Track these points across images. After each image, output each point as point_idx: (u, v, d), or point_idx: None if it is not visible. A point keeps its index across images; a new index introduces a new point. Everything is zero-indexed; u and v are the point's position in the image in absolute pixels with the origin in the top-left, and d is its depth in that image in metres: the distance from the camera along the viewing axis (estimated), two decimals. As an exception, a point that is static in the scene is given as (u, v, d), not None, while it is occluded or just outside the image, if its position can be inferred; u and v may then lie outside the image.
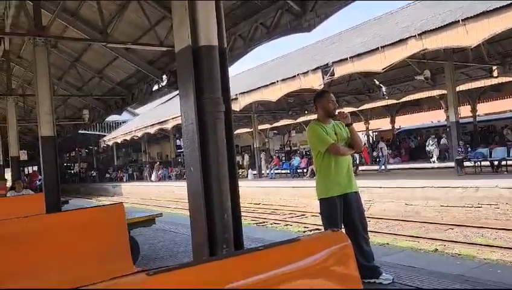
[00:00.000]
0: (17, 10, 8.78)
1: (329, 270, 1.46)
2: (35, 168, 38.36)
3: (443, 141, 21.30)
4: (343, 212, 3.74)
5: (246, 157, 27.40)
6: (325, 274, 1.44)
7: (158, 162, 33.26)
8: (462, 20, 10.22)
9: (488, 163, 14.04)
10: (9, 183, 13.55)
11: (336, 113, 3.91)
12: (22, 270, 3.12)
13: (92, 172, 40.01)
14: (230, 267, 1.33)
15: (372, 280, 3.64)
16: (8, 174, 17.06)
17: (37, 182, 20.58)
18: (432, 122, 29.61)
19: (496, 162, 13.79)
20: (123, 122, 36.55)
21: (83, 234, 3.50)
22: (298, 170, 21.55)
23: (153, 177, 30.13)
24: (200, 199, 2.88)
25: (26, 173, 37.40)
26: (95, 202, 23.72)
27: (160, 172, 30.62)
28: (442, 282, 3.59)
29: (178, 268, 1.22)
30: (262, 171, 23.98)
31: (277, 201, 16.64)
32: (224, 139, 2.99)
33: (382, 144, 20.63)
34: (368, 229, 3.96)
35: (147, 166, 32.71)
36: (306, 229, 11.16)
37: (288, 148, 34.23)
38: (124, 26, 9.20)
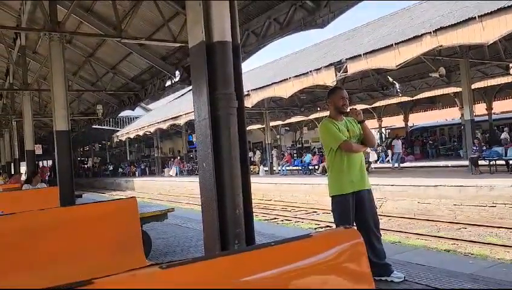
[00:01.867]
0: (33, 6, 8.91)
1: (341, 267, 1.46)
2: (50, 162, 38.93)
3: (504, 135, 19.22)
4: (355, 210, 3.72)
5: (258, 153, 27.41)
6: (336, 271, 1.45)
7: (178, 157, 32.62)
8: (478, 16, 10.04)
9: (503, 162, 13.82)
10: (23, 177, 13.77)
11: (348, 110, 3.88)
12: (36, 262, 3.18)
13: (108, 166, 40.33)
14: (242, 263, 1.34)
15: (384, 278, 3.63)
16: (22, 168, 17.37)
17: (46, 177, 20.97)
18: (446, 120, 29.23)
19: (511, 162, 13.57)
20: (136, 118, 36.86)
21: (96, 227, 3.55)
22: (310, 167, 21.50)
23: (172, 172, 29.40)
24: (212, 195, 2.90)
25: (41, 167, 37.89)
26: (108, 196, 23.99)
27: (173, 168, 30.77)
28: (453, 281, 3.56)
29: (191, 262, 1.23)
30: (274, 168, 23.96)
31: (288, 198, 16.62)
32: (236, 135, 3.00)
33: (395, 142, 20.47)
34: (380, 226, 3.94)
35: (171, 160, 32.46)
36: (317, 226, 11.15)
37: (300, 145, 34.15)
38: (138, 22, 9.26)
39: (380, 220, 4.03)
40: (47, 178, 19.59)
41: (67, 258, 3.30)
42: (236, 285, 1.25)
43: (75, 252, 3.37)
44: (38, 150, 12.97)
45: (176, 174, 29.13)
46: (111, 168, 39.50)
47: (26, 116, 11.86)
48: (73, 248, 3.38)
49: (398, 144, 20.03)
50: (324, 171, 16.43)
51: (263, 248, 1.42)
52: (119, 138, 34.79)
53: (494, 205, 10.27)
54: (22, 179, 13.22)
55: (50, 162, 40.56)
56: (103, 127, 34.14)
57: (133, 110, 16.86)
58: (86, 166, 48.25)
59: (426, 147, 26.19)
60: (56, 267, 3.17)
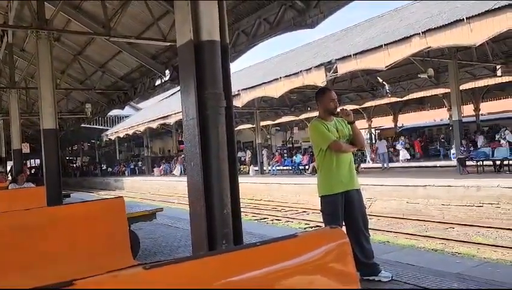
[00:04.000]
0: (20, 3, 8.78)
1: (327, 267, 1.46)
2: (38, 161, 38.50)
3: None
4: (344, 210, 3.73)
5: (248, 153, 27.40)
6: (322, 271, 1.44)
7: (182, 155, 30.96)
8: (466, 18, 10.15)
9: (490, 162, 14.01)
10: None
11: (338, 110, 3.89)
12: (22, 262, 3.14)
13: (103, 165, 39.80)
14: (227, 263, 1.33)
15: (372, 278, 3.65)
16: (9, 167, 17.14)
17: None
18: (435, 120, 29.53)
19: (498, 162, 13.76)
20: (125, 117, 36.60)
21: (83, 227, 3.51)
22: (300, 167, 21.57)
23: (177, 171, 27.57)
24: (200, 194, 2.88)
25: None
26: (97, 195, 23.79)
27: (162, 167, 30.55)
28: (440, 281, 3.59)
29: (175, 262, 1.22)
30: (264, 168, 23.99)
31: (278, 197, 16.65)
32: (225, 134, 2.98)
33: (378, 143, 20.73)
34: (369, 226, 3.96)
35: (174, 159, 31.37)
36: (307, 226, 11.18)
37: (291, 145, 34.22)
38: (127, 20, 9.19)
39: (369, 220, 4.05)
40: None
41: (54, 258, 3.26)
42: (221, 285, 1.24)
43: (61, 252, 3.33)
44: (26, 149, 12.81)
45: (180, 173, 27.50)
46: (104, 167, 39.06)
47: (13, 114, 11.71)
48: (59, 247, 3.34)
49: (381, 145, 20.20)
50: (314, 171, 16.46)
51: (249, 248, 1.41)
52: (109, 137, 34.53)
53: (481, 205, 10.40)
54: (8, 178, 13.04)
55: (37, 161, 40.11)
56: (92, 126, 33.82)
57: (123, 109, 16.74)
58: (74, 165, 47.82)
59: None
60: (42, 267, 3.13)
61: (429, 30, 11.05)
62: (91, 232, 3.51)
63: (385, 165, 19.45)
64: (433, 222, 10.46)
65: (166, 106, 28.36)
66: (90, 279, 1.05)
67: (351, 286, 1.47)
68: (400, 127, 29.75)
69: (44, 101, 7.08)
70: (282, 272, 1.37)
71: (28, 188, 8.02)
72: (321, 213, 3.92)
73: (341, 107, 3.97)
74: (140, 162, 37.00)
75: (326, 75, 13.70)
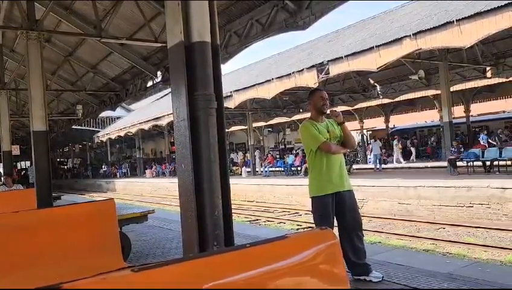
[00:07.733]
0: (10, 3, 8.71)
1: (317, 267, 1.46)
2: (28, 163, 38.09)
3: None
4: (336, 211, 3.75)
5: (240, 154, 27.38)
6: (312, 271, 1.45)
7: None
8: (456, 20, 10.25)
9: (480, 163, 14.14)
10: None
11: (328, 111, 3.91)
12: (12, 264, 3.11)
13: (103, 166, 39.31)
14: (218, 264, 1.32)
15: (362, 278, 3.66)
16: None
17: None
18: (426, 122, 29.74)
19: (488, 163, 13.88)
20: (117, 118, 36.39)
21: (73, 229, 3.49)
22: (292, 168, 21.58)
23: None
24: (191, 196, 2.88)
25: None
26: (88, 197, 23.62)
27: (153, 169, 30.47)
28: (431, 281, 3.62)
29: (164, 265, 1.21)
30: (257, 169, 23.98)
31: (271, 199, 16.65)
32: (216, 136, 2.98)
33: (373, 143, 20.75)
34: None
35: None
36: (299, 227, 11.19)
37: (283, 146, 34.25)
38: (119, 21, 9.14)
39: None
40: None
41: (44, 261, 3.24)
42: (211, 287, 1.24)
43: (51, 254, 3.30)
44: (16, 151, 12.69)
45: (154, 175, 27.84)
46: (104, 168, 38.53)
47: (2, 116, 11.58)
48: (49, 250, 3.32)
49: (375, 146, 20.18)
50: (306, 172, 16.51)
51: (238, 250, 1.41)
52: (100, 139, 34.30)
53: (472, 205, 10.49)
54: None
55: (27, 163, 39.70)
56: (83, 128, 33.59)
57: (114, 110, 16.63)
58: (66, 167, 47.41)
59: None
60: (31, 269, 3.11)
61: (420, 32, 11.13)
62: (81, 234, 3.49)
63: (377, 166, 19.52)
64: (424, 222, 10.52)
65: (159, 107, 28.27)
66: (78, 282, 1.04)
67: (341, 286, 1.47)
68: (391, 128, 29.90)
69: (35, 102, 7.03)
70: (272, 274, 1.37)
71: (17, 190, 7.94)
72: (312, 214, 3.94)
73: (331, 108, 4.00)
74: (126, 165, 36.42)
75: (318, 77, 13.75)
